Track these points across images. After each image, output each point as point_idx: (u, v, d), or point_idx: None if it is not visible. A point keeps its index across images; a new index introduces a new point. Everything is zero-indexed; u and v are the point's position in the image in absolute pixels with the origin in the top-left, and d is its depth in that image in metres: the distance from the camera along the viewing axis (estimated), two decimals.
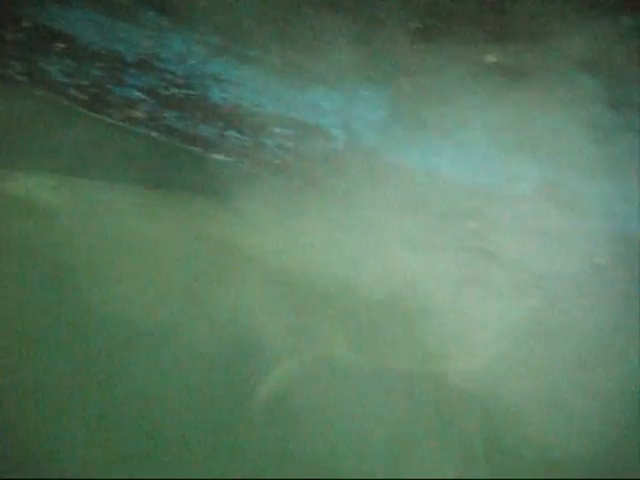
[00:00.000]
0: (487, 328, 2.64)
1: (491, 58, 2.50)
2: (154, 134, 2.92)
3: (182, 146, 2.91)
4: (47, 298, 2.57)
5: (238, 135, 2.92)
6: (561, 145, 2.73)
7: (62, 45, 2.93)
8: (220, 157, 2.90)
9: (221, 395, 2.44)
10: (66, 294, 2.58)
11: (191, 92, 2.91)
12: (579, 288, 2.76)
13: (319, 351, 2.53)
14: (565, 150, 2.75)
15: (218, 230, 2.73)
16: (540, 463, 2.36)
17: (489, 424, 2.41)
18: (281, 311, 2.54)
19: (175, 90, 2.92)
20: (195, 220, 2.77)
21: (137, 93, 2.94)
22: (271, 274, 2.63)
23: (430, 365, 2.54)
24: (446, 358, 2.54)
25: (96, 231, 2.71)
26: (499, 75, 2.56)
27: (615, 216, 2.82)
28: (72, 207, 2.80)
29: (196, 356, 2.45)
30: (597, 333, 2.68)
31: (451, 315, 2.58)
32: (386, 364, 2.54)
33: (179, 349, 2.46)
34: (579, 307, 2.76)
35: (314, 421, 2.33)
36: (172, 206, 2.81)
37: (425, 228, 2.79)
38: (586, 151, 2.71)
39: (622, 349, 2.67)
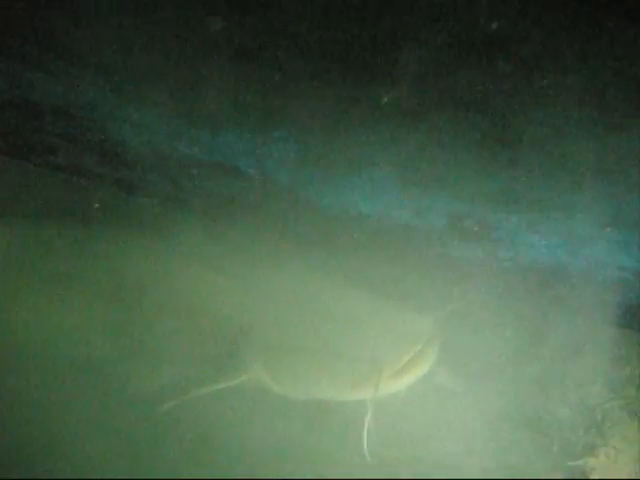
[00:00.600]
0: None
1: (385, 99, 2.53)
2: (76, 178, 3.01)
3: (104, 189, 3.00)
4: None
5: (158, 178, 3.01)
6: (463, 179, 2.80)
7: None
8: (142, 199, 3.01)
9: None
10: None
11: (108, 137, 2.97)
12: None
13: None
14: (468, 184, 2.82)
15: (138, 267, 2.87)
16: None
17: None
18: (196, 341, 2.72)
19: (92, 136, 2.97)
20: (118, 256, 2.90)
21: (56, 139, 3.00)
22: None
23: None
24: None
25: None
26: (396, 115, 2.61)
27: (521, 245, 2.94)
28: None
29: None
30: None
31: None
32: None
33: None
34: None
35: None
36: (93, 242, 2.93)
37: (337, 262, 2.92)
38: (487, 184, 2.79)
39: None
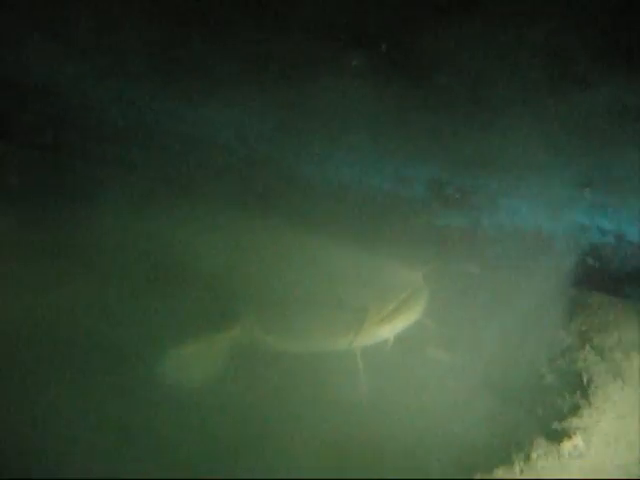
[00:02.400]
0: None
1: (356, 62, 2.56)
2: (63, 159, 3.07)
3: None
4: None
5: (142, 152, 3.05)
6: (440, 144, 2.82)
7: None
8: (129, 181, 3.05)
9: None
10: None
11: (90, 114, 3.01)
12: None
13: None
14: (445, 149, 2.84)
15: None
16: None
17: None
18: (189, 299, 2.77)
19: (74, 113, 3.02)
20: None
21: (40, 118, 3.05)
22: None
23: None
24: None
25: None
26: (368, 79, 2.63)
27: (503, 211, 2.96)
28: None
29: None
30: None
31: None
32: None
33: None
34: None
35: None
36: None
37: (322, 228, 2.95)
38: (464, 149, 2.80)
39: None
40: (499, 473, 2.55)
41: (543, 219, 2.92)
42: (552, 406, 2.80)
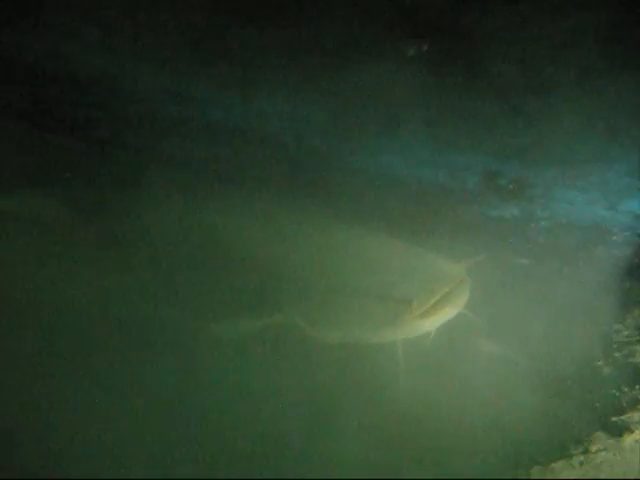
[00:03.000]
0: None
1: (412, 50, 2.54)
2: (117, 152, 3.10)
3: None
4: None
5: (193, 144, 3.07)
6: (494, 134, 2.78)
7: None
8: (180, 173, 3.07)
9: None
10: None
11: (142, 107, 3.04)
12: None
13: None
14: (499, 139, 2.80)
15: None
16: None
17: None
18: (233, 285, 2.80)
19: (131, 107, 3.05)
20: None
21: (95, 112, 3.09)
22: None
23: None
24: None
25: None
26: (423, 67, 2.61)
27: (558, 202, 2.91)
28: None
29: None
30: None
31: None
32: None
33: None
34: None
35: None
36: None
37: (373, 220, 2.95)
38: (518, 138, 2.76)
39: None
40: (557, 467, 2.51)
41: (600, 210, 2.87)
42: (610, 400, 2.75)
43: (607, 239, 2.97)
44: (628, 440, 2.53)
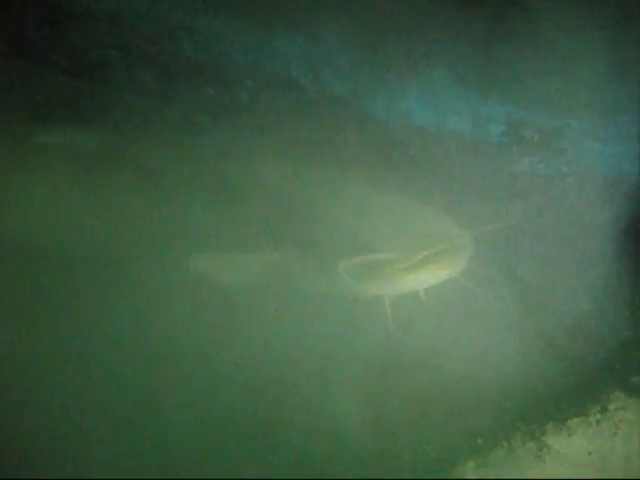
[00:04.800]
0: None
1: None
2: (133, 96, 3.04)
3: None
4: None
5: (214, 93, 3.01)
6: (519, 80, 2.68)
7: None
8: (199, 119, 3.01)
9: None
10: None
11: (162, 47, 2.98)
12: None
13: None
14: (530, 85, 2.70)
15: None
16: None
17: None
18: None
19: (145, 45, 2.98)
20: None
21: (111, 52, 3.03)
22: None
23: None
24: None
25: None
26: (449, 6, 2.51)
27: (584, 155, 2.81)
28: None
29: None
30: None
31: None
32: None
33: None
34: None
35: None
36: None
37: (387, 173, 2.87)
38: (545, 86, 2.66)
39: None
40: (573, 423, 2.43)
41: (629, 164, 2.76)
42: (631, 361, 2.66)
43: (636, 195, 2.87)
44: None
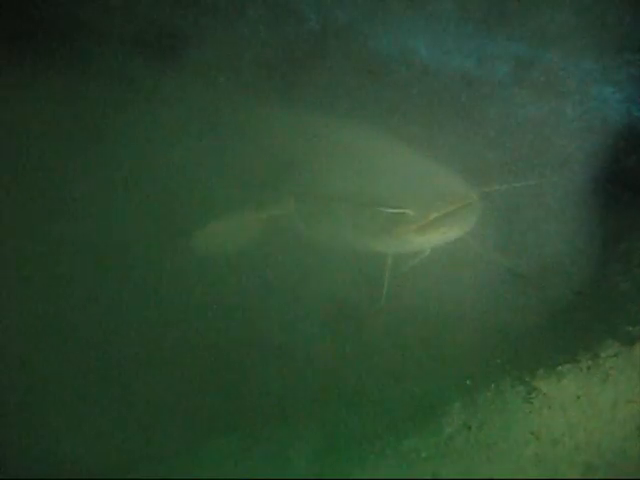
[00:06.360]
0: None
1: None
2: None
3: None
4: None
5: (213, 22, 2.91)
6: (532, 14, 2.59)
7: None
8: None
9: None
10: None
11: None
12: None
13: None
14: (539, 20, 2.61)
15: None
16: None
17: None
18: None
19: None
20: None
21: None
22: None
23: None
24: None
25: None
26: None
27: (592, 100, 2.72)
28: None
29: None
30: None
31: None
32: None
33: None
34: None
35: None
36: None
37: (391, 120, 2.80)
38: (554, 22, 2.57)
39: None
40: (563, 370, 2.40)
41: (636, 110, 2.68)
42: (626, 312, 2.61)
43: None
44: (639, 349, 2.40)
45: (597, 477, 2.20)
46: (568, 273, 2.81)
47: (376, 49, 2.86)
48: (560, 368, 2.39)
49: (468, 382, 2.41)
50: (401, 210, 2.37)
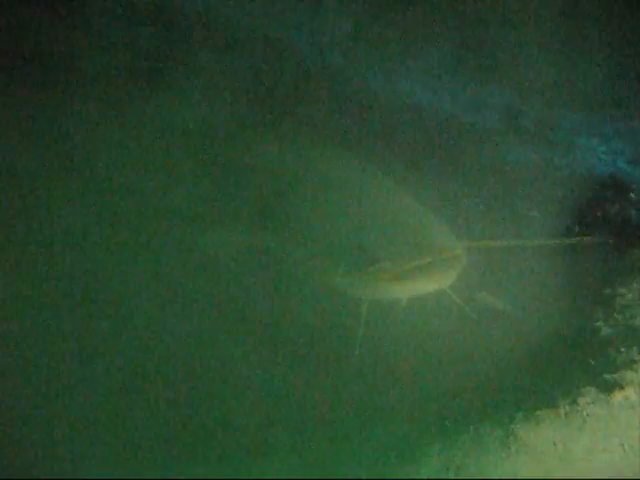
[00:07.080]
0: None
1: None
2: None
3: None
4: None
5: (211, 55, 2.96)
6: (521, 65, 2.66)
7: None
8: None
9: None
10: None
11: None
12: None
13: None
14: (533, 71, 2.68)
15: None
16: None
17: None
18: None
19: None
20: None
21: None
22: None
23: None
24: None
25: None
26: None
27: (579, 150, 2.79)
28: None
29: None
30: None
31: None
32: None
33: None
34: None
35: None
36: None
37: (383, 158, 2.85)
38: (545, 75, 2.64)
39: None
40: (542, 414, 2.43)
41: (621, 162, 2.74)
42: (606, 358, 2.65)
43: (624, 197, 2.85)
44: (618, 397, 2.43)
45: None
46: (550, 318, 2.86)
47: (370, 88, 2.92)
48: (538, 413, 2.42)
49: (447, 424, 2.44)
50: (381, 257, 2.37)
